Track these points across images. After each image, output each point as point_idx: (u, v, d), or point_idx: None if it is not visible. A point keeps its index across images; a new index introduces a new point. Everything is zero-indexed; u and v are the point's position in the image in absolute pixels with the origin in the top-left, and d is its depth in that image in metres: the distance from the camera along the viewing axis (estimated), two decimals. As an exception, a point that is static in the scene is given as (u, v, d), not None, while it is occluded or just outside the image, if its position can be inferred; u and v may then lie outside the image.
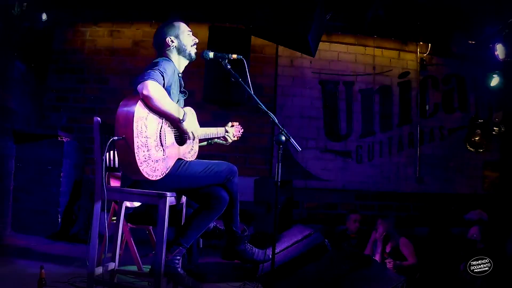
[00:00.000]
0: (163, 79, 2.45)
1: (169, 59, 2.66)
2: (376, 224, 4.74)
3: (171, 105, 2.48)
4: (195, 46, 2.78)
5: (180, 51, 2.72)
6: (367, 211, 5.90)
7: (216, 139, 3.13)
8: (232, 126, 3.15)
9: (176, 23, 2.76)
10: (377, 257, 4.49)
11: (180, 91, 2.75)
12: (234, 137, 3.14)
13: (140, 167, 2.35)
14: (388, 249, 4.50)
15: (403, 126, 6.25)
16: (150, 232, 3.63)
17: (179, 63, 2.74)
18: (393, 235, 4.59)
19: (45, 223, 4.91)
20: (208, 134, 2.96)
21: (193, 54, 2.76)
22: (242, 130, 3.20)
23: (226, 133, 3.09)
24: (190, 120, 2.62)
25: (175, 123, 2.59)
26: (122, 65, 5.86)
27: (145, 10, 5.74)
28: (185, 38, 2.73)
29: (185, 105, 2.84)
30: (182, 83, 2.76)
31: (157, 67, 2.46)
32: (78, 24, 5.91)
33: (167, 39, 2.69)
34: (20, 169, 4.91)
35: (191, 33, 2.78)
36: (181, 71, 2.76)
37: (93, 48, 5.92)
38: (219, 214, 2.68)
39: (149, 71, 2.42)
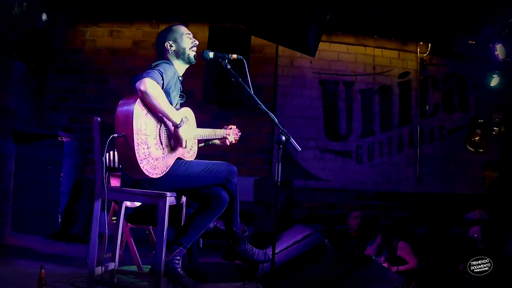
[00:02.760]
0: (162, 80, 2.45)
1: (170, 63, 2.67)
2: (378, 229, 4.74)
3: (168, 107, 2.47)
4: (194, 49, 2.76)
5: (179, 54, 2.71)
6: (367, 211, 5.89)
7: (214, 141, 3.12)
8: (231, 128, 3.15)
9: (174, 27, 2.76)
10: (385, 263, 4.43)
11: (179, 95, 2.75)
12: (233, 140, 3.13)
13: (140, 164, 2.35)
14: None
15: (403, 126, 6.25)
16: (150, 232, 3.63)
17: (179, 66, 2.74)
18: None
19: (45, 223, 4.90)
20: (206, 136, 2.97)
21: (192, 57, 2.74)
22: (240, 134, 3.19)
23: (227, 135, 3.09)
24: (187, 127, 2.59)
25: (171, 127, 2.58)
26: (122, 65, 5.86)
27: (145, 10, 5.74)
28: (183, 41, 2.72)
29: (184, 106, 2.84)
30: (181, 87, 2.76)
31: (157, 68, 2.48)
32: (78, 24, 5.91)
33: (165, 44, 2.69)
34: (20, 169, 4.90)
35: (190, 35, 2.77)
36: (181, 75, 2.76)
37: (93, 48, 5.91)
38: (219, 214, 2.68)
39: (149, 70, 2.44)
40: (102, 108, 5.69)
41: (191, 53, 2.74)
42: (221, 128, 3.13)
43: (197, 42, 2.78)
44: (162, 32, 2.77)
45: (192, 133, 2.70)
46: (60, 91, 5.82)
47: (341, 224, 5.51)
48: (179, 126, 2.53)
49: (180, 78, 2.74)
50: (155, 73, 2.42)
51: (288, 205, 5.13)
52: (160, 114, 2.48)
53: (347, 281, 2.77)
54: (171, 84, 2.57)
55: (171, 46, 2.69)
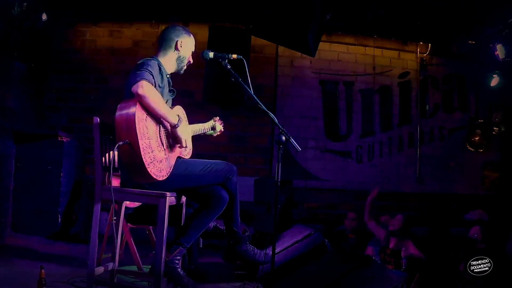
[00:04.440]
0: (154, 79, 2.45)
1: (154, 59, 2.62)
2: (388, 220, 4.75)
3: (165, 107, 2.48)
4: (187, 64, 2.79)
5: (178, 58, 2.73)
6: (367, 211, 5.89)
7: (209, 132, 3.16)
8: (215, 121, 3.19)
9: (193, 36, 2.79)
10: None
11: (168, 90, 2.74)
12: (221, 129, 3.19)
13: (148, 169, 2.35)
14: (391, 245, 4.49)
15: (403, 126, 6.25)
16: (150, 232, 3.63)
17: (170, 66, 2.73)
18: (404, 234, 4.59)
19: (45, 223, 4.90)
20: (198, 131, 3.00)
21: (182, 69, 2.79)
22: (223, 124, 3.22)
23: (213, 127, 3.13)
24: (183, 126, 2.62)
25: (169, 127, 2.59)
26: (122, 65, 5.85)
27: (145, 10, 5.74)
28: (188, 50, 2.75)
29: (184, 106, 2.85)
30: (171, 82, 2.76)
31: (144, 68, 2.44)
32: (78, 24, 5.91)
33: (178, 41, 2.69)
34: (20, 169, 4.90)
35: (192, 50, 2.80)
36: (169, 73, 2.74)
37: (93, 48, 5.92)
38: (218, 213, 2.68)
39: (139, 72, 2.41)
40: (102, 108, 5.69)
41: (183, 67, 2.78)
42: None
43: (191, 61, 2.81)
44: (178, 28, 2.75)
45: (189, 132, 2.71)
46: (60, 91, 5.82)
47: (341, 224, 5.50)
48: (177, 126, 2.54)
49: (168, 76, 2.73)
50: (147, 73, 2.40)
51: (288, 205, 5.13)
52: (158, 116, 2.49)
53: (348, 281, 2.77)
54: (158, 82, 2.56)
55: (181, 46, 2.70)
